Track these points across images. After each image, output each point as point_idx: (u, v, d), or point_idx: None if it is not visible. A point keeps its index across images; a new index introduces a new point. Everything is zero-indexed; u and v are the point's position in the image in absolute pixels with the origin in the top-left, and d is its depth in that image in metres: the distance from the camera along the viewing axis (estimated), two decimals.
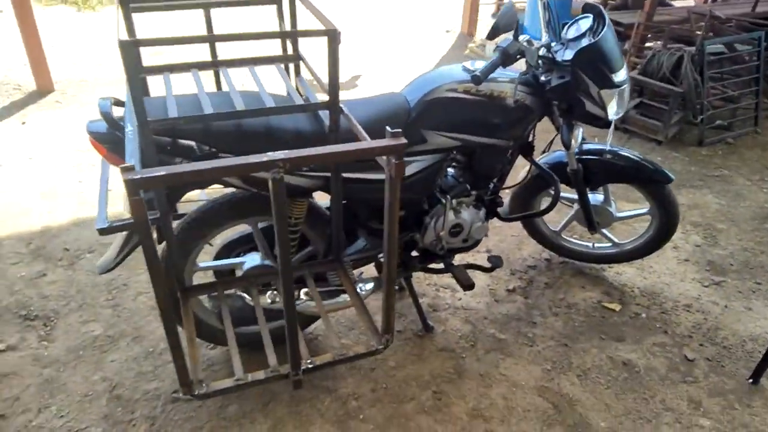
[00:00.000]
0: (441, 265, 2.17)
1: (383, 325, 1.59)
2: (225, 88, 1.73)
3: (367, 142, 1.34)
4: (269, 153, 1.18)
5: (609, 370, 2.17)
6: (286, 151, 1.19)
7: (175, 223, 1.77)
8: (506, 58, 1.83)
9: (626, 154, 2.23)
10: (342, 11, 6.82)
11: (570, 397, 2.06)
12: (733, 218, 3.14)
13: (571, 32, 1.99)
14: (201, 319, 1.95)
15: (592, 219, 2.36)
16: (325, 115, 1.62)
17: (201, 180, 1.41)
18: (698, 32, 3.98)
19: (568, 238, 2.66)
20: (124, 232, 1.74)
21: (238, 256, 2.00)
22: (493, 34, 1.90)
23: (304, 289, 1.89)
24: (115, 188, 2.57)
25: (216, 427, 1.88)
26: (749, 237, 3.00)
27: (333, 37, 1.45)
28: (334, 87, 1.54)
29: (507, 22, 1.87)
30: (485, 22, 6.15)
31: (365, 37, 5.99)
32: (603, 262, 2.62)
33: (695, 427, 1.98)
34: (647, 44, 4.29)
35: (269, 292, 1.88)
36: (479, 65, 1.88)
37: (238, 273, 1.99)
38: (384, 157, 1.32)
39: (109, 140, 1.57)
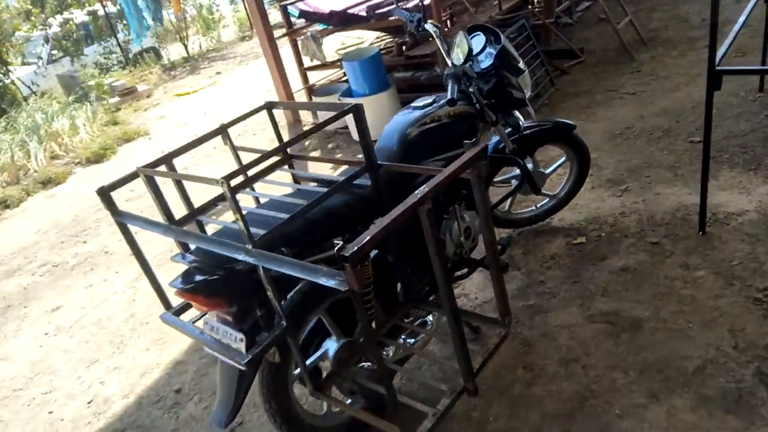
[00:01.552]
0: (465, 270, 2.46)
1: (501, 310, 1.83)
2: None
3: (459, 160, 1.58)
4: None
5: (618, 280, 2.63)
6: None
7: None
8: (458, 81, 2.23)
9: (538, 122, 2.76)
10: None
11: (611, 311, 2.46)
12: (595, 146, 3.91)
13: (457, 55, 2.45)
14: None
15: (535, 183, 2.84)
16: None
17: None
18: None
19: (516, 212, 3.13)
20: (235, 377, 1.77)
21: (316, 350, 2.08)
22: None
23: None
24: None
25: None
26: (615, 152, 3.76)
27: (358, 110, 1.72)
28: (367, 149, 1.80)
29: None
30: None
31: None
32: (549, 215, 3.13)
33: (697, 279, 2.51)
34: None
35: (391, 349, 2.00)
36: (428, 100, 2.27)
37: (325, 362, 2.06)
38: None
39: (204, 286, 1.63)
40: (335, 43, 8.28)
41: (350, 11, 5.10)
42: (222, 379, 1.82)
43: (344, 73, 6.10)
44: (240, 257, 1.50)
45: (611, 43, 5.79)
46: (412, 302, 2.11)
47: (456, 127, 2.29)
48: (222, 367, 1.82)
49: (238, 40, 12.08)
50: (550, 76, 5.13)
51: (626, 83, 4.86)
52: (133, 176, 1.85)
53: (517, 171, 2.80)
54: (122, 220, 1.80)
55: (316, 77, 6.19)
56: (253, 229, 1.50)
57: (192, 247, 1.78)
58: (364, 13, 4.96)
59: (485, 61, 2.44)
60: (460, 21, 6.08)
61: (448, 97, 2.14)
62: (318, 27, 5.39)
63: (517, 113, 2.63)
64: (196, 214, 1.89)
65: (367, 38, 7.13)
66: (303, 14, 5.12)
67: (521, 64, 2.47)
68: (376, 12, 4.88)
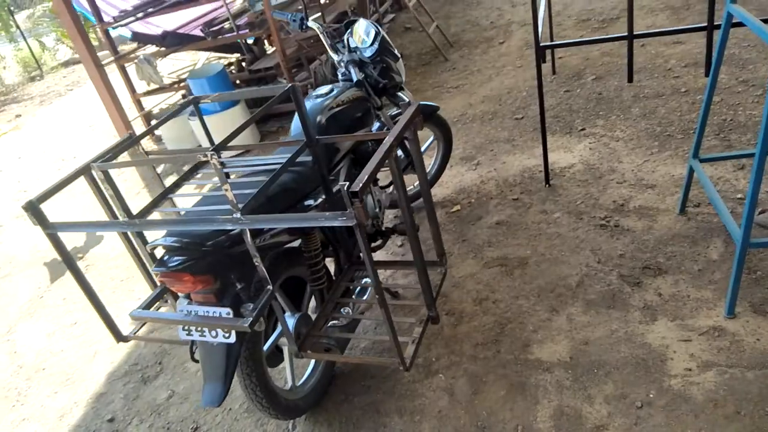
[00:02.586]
0: (380, 241, 2.75)
1: (438, 251, 2.15)
2: None
3: (404, 117, 1.82)
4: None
5: (497, 232, 3.13)
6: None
7: None
8: (359, 65, 2.52)
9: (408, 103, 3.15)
10: None
11: (500, 256, 2.94)
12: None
13: (354, 42, 2.76)
14: None
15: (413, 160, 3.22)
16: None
17: None
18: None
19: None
20: (223, 354, 1.86)
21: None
22: None
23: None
24: None
25: None
26: (459, 135, 4.33)
27: (294, 90, 1.94)
28: (306, 127, 2.01)
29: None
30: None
31: None
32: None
33: (556, 219, 3.10)
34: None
35: (345, 309, 2.20)
36: (325, 89, 2.53)
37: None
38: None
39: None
40: (166, 67, 8.01)
41: (183, 31, 5.09)
42: (208, 360, 1.88)
43: (182, 95, 6.04)
44: (231, 226, 1.62)
45: (423, 48, 6.52)
46: (354, 265, 2.34)
47: (355, 110, 2.57)
48: (206, 348, 1.87)
49: (26, 81, 10.95)
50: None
51: (448, 79, 5.55)
52: (66, 182, 1.85)
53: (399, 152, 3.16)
54: (63, 230, 1.79)
55: (149, 103, 6.00)
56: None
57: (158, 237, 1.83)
58: (199, 32, 4.99)
59: (368, 50, 2.75)
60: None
61: (355, 79, 2.42)
62: (149, 50, 5.26)
63: (401, 93, 2.99)
64: (151, 207, 1.93)
65: (198, 59, 7.05)
66: (136, 36, 4.97)
67: (396, 51, 2.84)
68: (211, 30, 4.95)
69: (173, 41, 4.95)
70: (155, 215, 2.01)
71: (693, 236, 2.75)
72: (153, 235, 1.94)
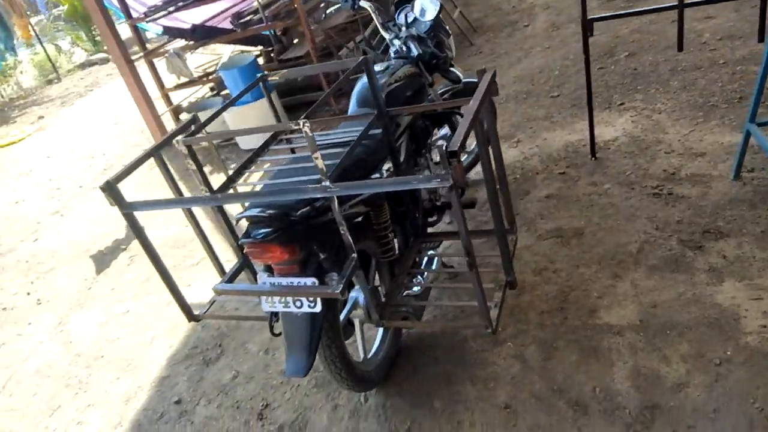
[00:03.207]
0: (435, 217, 2.76)
1: (509, 218, 2.15)
2: None
3: (484, 82, 1.83)
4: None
5: (547, 205, 3.13)
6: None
7: None
8: (418, 40, 2.54)
9: (465, 77, 3.13)
10: None
11: (554, 228, 2.94)
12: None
13: (402, 19, 2.76)
14: None
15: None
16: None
17: None
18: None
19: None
20: (308, 324, 1.87)
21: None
22: None
23: None
24: None
25: None
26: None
27: (366, 63, 1.94)
28: (377, 100, 2.02)
29: None
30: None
31: None
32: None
33: (607, 190, 3.09)
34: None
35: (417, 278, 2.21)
36: (381, 66, 2.54)
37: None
38: None
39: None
40: (192, 62, 8.05)
41: (211, 24, 5.12)
42: (292, 331, 1.89)
43: (211, 88, 6.07)
44: (321, 195, 1.63)
45: None
46: (420, 237, 2.35)
47: (410, 86, 2.58)
48: (290, 319, 1.89)
49: (43, 85, 11.02)
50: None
51: (476, 63, 5.54)
52: (141, 161, 1.88)
53: (445, 131, 3.17)
54: (141, 209, 1.81)
55: (176, 98, 6.04)
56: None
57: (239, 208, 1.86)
58: (228, 25, 5.02)
59: (425, 24, 2.75)
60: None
61: (416, 53, 2.43)
62: (179, 43, 5.30)
63: (454, 68, 2.99)
64: (228, 183, 1.96)
65: (222, 53, 7.06)
66: (167, 31, 5.00)
67: (447, 28, 2.84)
68: (240, 22, 4.97)
69: (203, 34, 4.98)
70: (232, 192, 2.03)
71: (751, 200, 2.73)
72: (234, 210, 1.96)
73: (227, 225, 1.97)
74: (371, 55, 2.80)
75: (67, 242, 4.56)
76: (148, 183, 4.59)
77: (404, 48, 2.71)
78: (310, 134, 1.57)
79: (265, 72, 2.18)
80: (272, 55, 5.23)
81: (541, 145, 3.74)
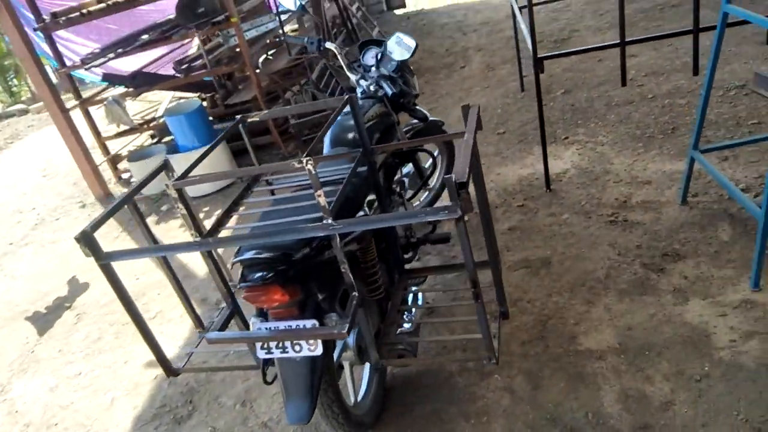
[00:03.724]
0: (411, 254, 2.77)
1: (489, 252, 2.20)
2: None
3: (472, 116, 1.90)
4: None
5: (512, 237, 3.22)
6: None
7: None
8: (391, 80, 2.58)
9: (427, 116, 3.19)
10: None
11: (522, 259, 3.02)
12: None
13: (369, 59, 2.81)
14: None
15: (424, 174, 3.26)
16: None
17: None
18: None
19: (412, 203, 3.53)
20: (308, 368, 1.82)
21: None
22: None
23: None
24: None
25: None
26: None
27: (351, 100, 1.97)
28: (363, 137, 2.04)
29: None
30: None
31: None
32: (434, 203, 3.60)
33: (566, 220, 3.22)
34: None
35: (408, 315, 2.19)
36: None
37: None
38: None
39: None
40: (130, 109, 7.76)
41: (150, 70, 5.01)
42: (290, 376, 1.82)
43: (151, 135, 5.89)
44: (323, 233, 1.61)
45: None
46: (404, 275, 2.35)
47: (382, 125, 2.62)
48: (287, 365, 1.82)
49: None
50: None
51: (418, 103, 5.68)
52: (113, 211, 1.81)
53: (407, 169, 3.21)
54: (119, 259, 1.74)
55: (113, 147, 5.81)
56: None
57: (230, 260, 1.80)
58: (170, 71, 4.93)
59: (390, 65, 2.80)
60: None
61: (390, 92, 2.47)
62: (116, 91, 5.14)
63: (419, 107, 3.05)
64: (218, 224, 1.90)
65: (162, 99, 6.86)
66: (107, 77, 4.84)
67: (411, 68, 2.92)
68: (183, 68, 4.90)
69: (144, 81, 4.86)
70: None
71: (700, 223, 2.92)
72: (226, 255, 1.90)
73: (218, 270, 1.89)
74: (321, 96, 2.82)
75: (2, 303, 4.23)
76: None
77: (372, 87, 2.75)
78: (314, 172, 1.56)
79: (244, 115, 2.15)
80: (216, 100, 5.16)
81: (495, 180, 3.86)
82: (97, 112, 5.58)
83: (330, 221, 1.60)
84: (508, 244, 3.17)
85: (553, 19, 6.90)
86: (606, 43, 3.15)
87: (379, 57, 2.78)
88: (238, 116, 2.16)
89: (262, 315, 1.89)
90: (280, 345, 1.80)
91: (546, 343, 2.48)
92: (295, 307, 1.79)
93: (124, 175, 5.60)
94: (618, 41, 3.03)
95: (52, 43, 4.94)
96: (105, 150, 5.45)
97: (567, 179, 3.63)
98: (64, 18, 4.75)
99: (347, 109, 2.58)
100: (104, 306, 3.79)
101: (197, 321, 2.29)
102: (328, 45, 2.84)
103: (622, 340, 2.40)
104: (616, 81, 4.78)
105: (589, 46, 3.19)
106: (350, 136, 2.46)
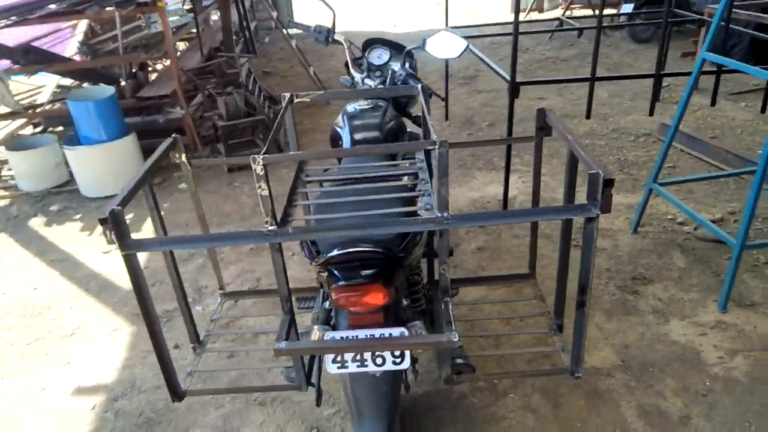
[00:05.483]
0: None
1: (530, 263, 2.14)
2: None
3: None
4: None
5: (482, 257, 3.20)
6: None
7: None
8: (414, 77, 2.44)
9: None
10: None
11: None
12: None
13: (375, 59, 2.64)
14: None
15: None
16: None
17: None
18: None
19: None
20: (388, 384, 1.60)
21: None
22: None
23: None
24: None
25: None
26: None
27: (424, 89, 1.82)
28: (427, 128, 1.90)
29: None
30: None
31: None
32: None
33: None
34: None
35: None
36: (368, 103, 2.39)
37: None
38: None
39: None
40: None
41: (43, 45, 4.29)
42: (366, 393, 1.58)
43: (37, 123, 5.00)
44: (434, 227, 1.43)
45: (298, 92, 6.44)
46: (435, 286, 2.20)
47: (398, 126, 2.47)
48: (362, 381, 1.58)
49: None
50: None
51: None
52: (132, 192, 1.49)
53: None
54: (154, 249, 1.42)
55: None
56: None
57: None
58: (67, 50, 4.25)
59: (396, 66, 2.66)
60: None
61: (419, 87, 2.34)
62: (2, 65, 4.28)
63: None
64: (286, 215, 1.61)
65: (46, 84, 5.73)
66: None
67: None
68: (91, 49, 4.26)
69: (38, 58, 4.11)
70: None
71: (655, 250, 3.16)
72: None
73: (284, 270, 1.59)
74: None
75: None
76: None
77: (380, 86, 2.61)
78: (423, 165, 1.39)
79: (295, 93, 1.88)
80: (124, 91, 4.53)
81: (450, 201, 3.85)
82: None
83: (446, 214, 1.43)
84: (481, 263, 3.15)
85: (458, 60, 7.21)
86: (579, 77, 3.33)
87: (381, 57, 2.66)
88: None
89: (325, 323, 1.63)
90: (358, 357, 1.55)
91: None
92: (381, 313, 1.57)
93: (6, 171, 4.65)
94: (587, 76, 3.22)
95: None
96: None
97: (519, 204, 3.74)
98: None
99: (365, 105, 2.43)
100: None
101: (194, 335, 1.95)
102: (338, 37, 2.64)
103: (624, 358, 2.47)
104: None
105: (564, 78, 3.35)
106: (373, 134, 2.28)
